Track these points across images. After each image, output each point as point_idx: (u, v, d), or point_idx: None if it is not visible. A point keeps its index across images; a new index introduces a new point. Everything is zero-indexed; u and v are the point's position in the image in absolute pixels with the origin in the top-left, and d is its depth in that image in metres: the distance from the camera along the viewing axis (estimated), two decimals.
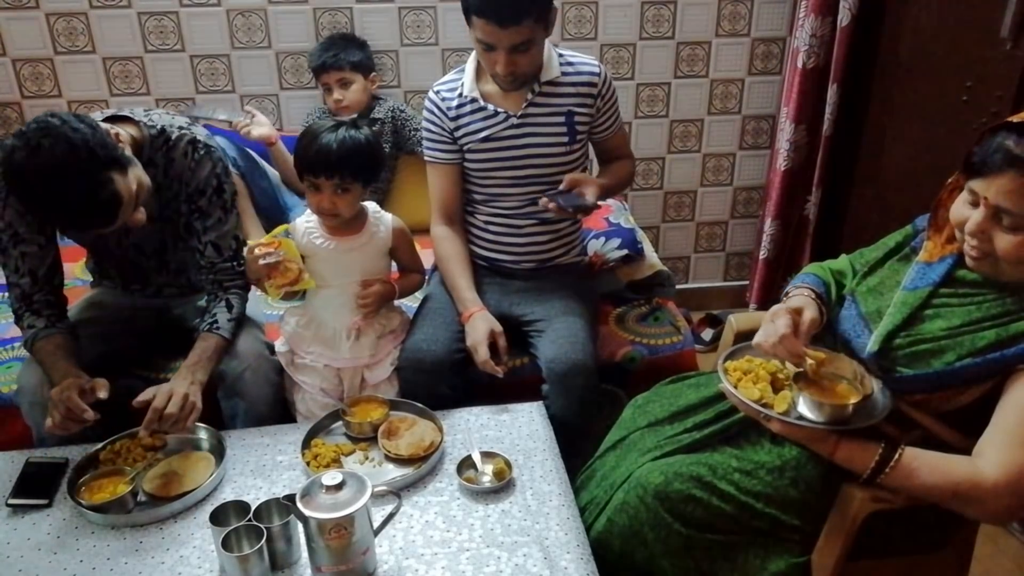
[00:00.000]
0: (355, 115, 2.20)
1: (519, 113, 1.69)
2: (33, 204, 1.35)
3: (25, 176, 1.28)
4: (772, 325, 1.26)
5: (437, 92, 1.75)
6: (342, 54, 2.23)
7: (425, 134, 1.77)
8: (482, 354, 1.60)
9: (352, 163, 1.53)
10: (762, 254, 2.66)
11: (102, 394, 1.38)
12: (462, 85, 1.72)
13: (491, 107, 1.70)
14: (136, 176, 1.39)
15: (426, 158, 1.79)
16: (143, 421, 1.42)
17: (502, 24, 1.51)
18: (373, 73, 2.31)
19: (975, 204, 1.14)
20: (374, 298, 1.63)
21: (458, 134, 1.73)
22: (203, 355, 1.53)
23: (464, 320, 1.69)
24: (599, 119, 1.77)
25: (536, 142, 1.71)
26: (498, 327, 1.65)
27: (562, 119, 1.70)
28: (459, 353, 1.66)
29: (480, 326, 1.64)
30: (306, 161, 1.54)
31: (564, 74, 1.70)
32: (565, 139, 1.72)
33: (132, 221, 1.41)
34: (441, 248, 1.79)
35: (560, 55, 1.72)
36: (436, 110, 1.74)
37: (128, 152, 1.40)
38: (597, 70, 1.72)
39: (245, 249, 1.58)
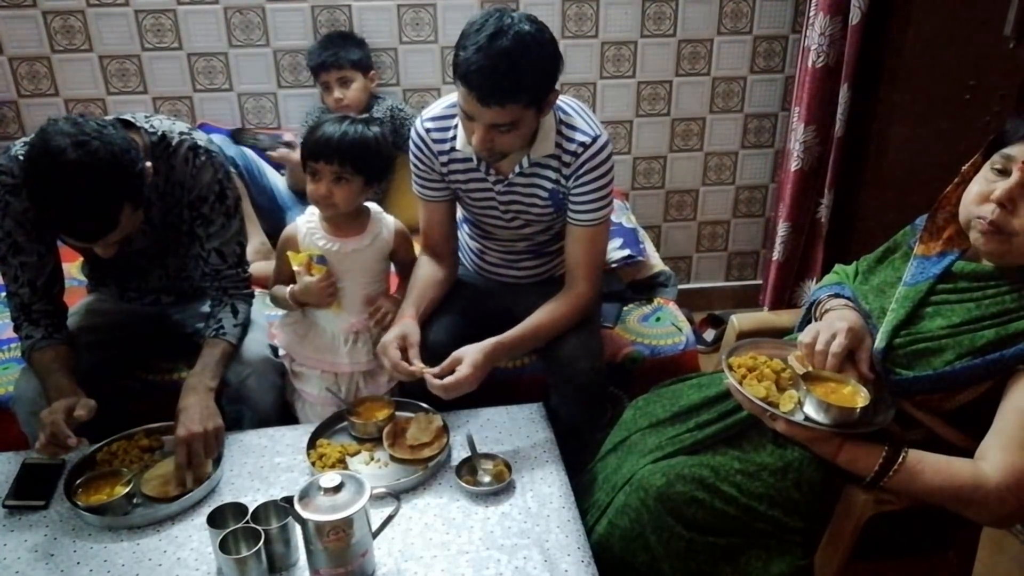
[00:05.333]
0: (366, 115, 2.19)
1: (507, 181, 1.57)
2: (37, 190, 1.31)
3: (54, 160, 1.24)
4: (831, 337, 1.21)
5: (428, 131, 1.58)
6: (341, 52, 2.22)
7: (413, 169, 1.64)
8: (391, 356, 1.46)
9: (352, 154, 1.52)
10: (775, 256, 2.64)
11: (79, 412, 1.35)
12: (453, 138, 1.56)
13: (482, 169, 1.57)
14: (138, 216, 1.40)
15: (415, 192, 1.67)
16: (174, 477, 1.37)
17: (484, 102, 1.36)
18: (372, 71, 2.30)
19: (1004, 172, 1.15)
20: (384, 313, 1.61)
21: (449, 178, 1.62)
22: (211, 361, 1.52)
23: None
24: (569, 196, 1.56)
25: (523, 209, 1.61)
26: (414, 334, 1.51)
27: (547, 194, 1.57)
28: (466, 335, 1.61)
29: (395, 328, 1.52)
30: (308, 146, 1.54)
31: (557, 146, 1.52)
32: (551, 210, 1.60)
33: (103, 250, 1.40)
34: (417, 268, 1.69)
35: (561, 120, 1.53)
36: (425, 149, 1.59)
37: (145, 192, 1.39)
38: (585, 140, 1.51)
39: (307, 278, 1.57)
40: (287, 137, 2.26)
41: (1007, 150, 1.15)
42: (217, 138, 2.16)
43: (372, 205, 1.68)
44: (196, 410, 1.42)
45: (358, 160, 1.53)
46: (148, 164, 1.40)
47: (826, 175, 2.45)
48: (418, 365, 1.46)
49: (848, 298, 1.34)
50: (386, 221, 1.67)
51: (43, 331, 1.50)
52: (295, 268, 1.59)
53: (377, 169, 1.58)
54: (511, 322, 1.59)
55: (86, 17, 2.30)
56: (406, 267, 1.72)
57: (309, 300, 1.60)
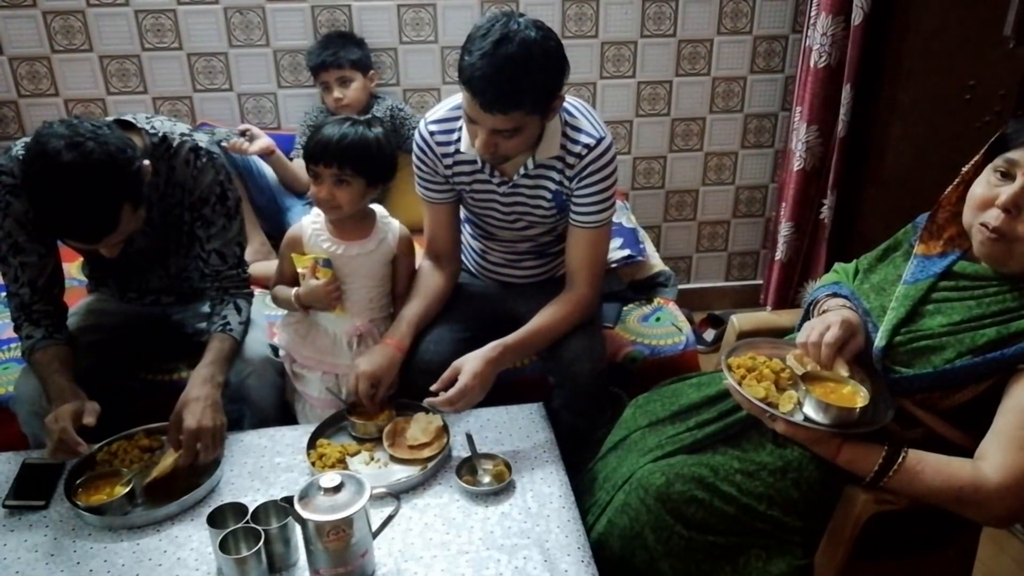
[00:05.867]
0: (368, 116, 2.19)
1: (512, 183, 1.57)
2: (36, 194, 1.31)
3: (50, 162, 1.25)
4: (825, 329, 1.22)
5: (432, 134, 1.58)
6: (341, 52, 2.22)
7: (416, 171, 1.63)
8: (361, 390, 1.47)
9: (352, 156, 1.51)
10: (777, 256, 2.63)
11: (88, 420, 1.35)
12: (458, 140, 1.56)
13: (487, 171, 1.57)
14: (139, 215, 1.39)
15: (419, 194, 1.67)
16: (183, 449, 1.37)
17: (487, 108, 1.36)
18: (371, 71, 2.30)
19: (1008, 176, 1.14)
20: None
21: (454, 180, 1.62)
22: (219, 355, 1.51)
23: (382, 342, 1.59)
24: (571, 198, 1.56)
25: (527, 211, 1.61)
26: (391, 375, 1.52)
27: (551, 196, 1.57)
28: (466, 346, 1.61)
29: (377, 359, 1.51)
30: (308, 148, 1.54)
31: (562, 147, 1.52)
32: (555, 212, 1.60)
33: (107, 250, 1.40)
34: (417, 278, 1.69)
35: (567, 122, 1.52)
36: (429, 152, 1.59)
37: (145, 191, 1.39)
38: (590, 141, 1.51)
39: (312, 281, 1.56)
40: (241, 127, 2.25)
41: (1010, 154, 1.14)
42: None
43: (378, 208, 1.67)
44: (208, 403, 1.41)
45: (358, 161, 1.52)
46: (146, 163, 1.40)
47: (828, 175, 2.45)
48: (372, 409, 1.49)
49: (845, 296, 1.34)
50: (392, 226, 1.67)
51: (43, 331, 1.50)
52: (300, 270, 1.59)
53: (379, 170, 1.57)
54: (512, 323, 1.59)
55: (86, 17, 2.30)
56: (401, 280, 1.70)
57: (314, 303, 1.60)
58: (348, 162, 1.52)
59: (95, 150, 1.26)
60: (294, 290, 1.61)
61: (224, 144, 2.18)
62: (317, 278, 1.57)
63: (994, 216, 1.14)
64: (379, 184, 1.60)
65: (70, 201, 1.27)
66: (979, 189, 1.18)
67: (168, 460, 1.37)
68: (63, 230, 1.35)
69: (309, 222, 1.63)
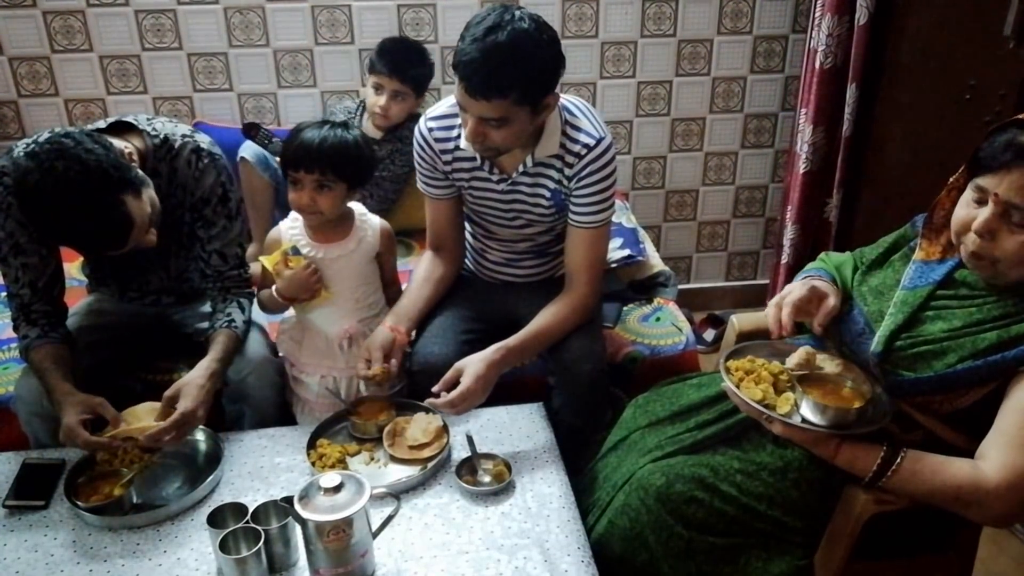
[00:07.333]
0: (344, 120, 2.17)
1: (509, 180, 1.57)
2: (46, 227, 1.34)
3: (38, 199, 1.27)
4: (785, 295, 1.26)
5: (430, 130, 1.58)
6: (419, 68, 2.17)
7: (417, 167, 1.65)
8: (375, 357, 1.50)
9: (334, 160, 1.50)
10: (783, 259, 2.63)
11: (121, 427, 1.36)
12: (458, 137, 1.56)
13: (486, 168, 1.57)
14: (149, 197, 1.38)
15: (420, 188, 1.69)
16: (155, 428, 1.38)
17: (471, 94, 1.36)
18: (424, 95, 2.25)
19: (982, 202, 1.14)
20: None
21: (453, 176, 1.63)
22: (225, 352, 1.51)
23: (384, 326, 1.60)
24: (571, 198, 1.56)
25: (526, 208, 1.61)
26: (400, 348, 1.55)
27: (550, 195, 1.57)
28: (467, 346, 1.62)
29: (389, 333, 1.55)
30: (288, 154, 1.52)
31: (561, 146, 1.52)
32: (553, 210, 1.60)
33: (144, 243, 1.40)
34: (417, 267, 1.73)
35: (567, 121, 1.52)
36: (428, 148, 1.60)
37: (141, 173, 1.38)
38: (589, 141, 1.50)
39: (287, 272, 1.55)
40: None
41: (980, 181, 1.14)
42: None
43: (356, 206, 1.65)
44: (206, 395, 1.42)
45: (339, 166, 1.50)
46: (124, 145, 1.39)
47: (834, 175, 2.44)
48: (377, 368, 1.50)
49: (824, 279, 1.34)
50: (371, 222, 1.65)
51: (39, 330, 1.50)
52: (271, 269, 1.57)
53: (360, 174, 1.55)
54: (511, 323, 1.59)
55: (86, 17, 2.30)
56: (386, 275, 1.70)
57: (297, 294, 1.57)
58: (330, 166, 1.49)
59: (66, 168, 1.26)
60: (273, 287, 1.58)
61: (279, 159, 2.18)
62: (291, 268, 1.55)
63: (972, 241, 1.15)
64: (359, 188, 1.58)
65: (76, 223, 1.28)
66: (961, 210, 1.18)
67: (137, 424, 1.37)
68: (92, 250, 1.37)
69: (287, 227, 1.62)
